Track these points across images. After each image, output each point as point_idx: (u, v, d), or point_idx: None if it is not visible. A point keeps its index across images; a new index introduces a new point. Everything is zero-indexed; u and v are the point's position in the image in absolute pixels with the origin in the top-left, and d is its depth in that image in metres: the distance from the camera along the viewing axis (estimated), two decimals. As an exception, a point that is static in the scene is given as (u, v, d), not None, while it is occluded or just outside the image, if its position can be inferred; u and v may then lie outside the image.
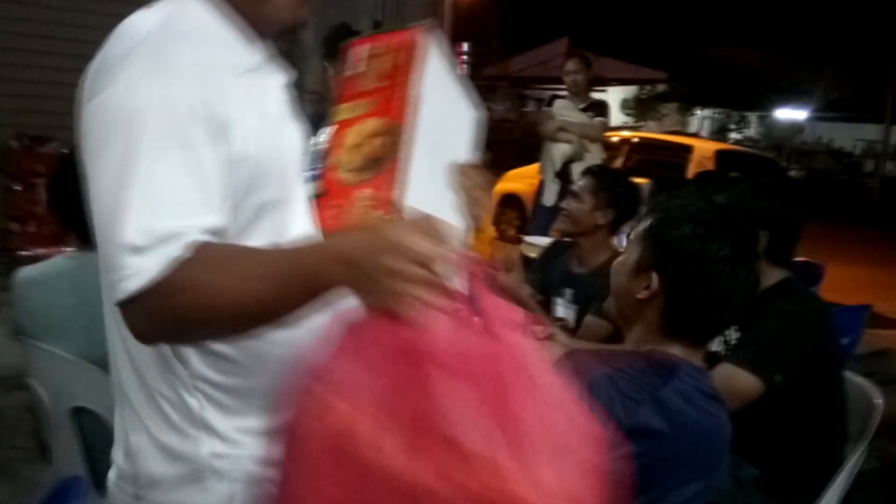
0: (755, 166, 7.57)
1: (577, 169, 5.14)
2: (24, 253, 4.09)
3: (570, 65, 5.15)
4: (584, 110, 5.05)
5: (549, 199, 5.19)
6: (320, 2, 5.16)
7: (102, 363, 1.75)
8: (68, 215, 1.73)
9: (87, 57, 0.96)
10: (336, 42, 3.56)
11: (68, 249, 1.90)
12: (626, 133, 9.06)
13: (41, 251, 3.92)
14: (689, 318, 1.32)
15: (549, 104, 5.29)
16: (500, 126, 18.23)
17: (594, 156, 5.10)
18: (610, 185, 2.53)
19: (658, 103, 22.73)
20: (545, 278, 2.61)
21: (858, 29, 18.15)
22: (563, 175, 5.05)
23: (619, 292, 1.41)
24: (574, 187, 2.65)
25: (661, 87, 22.03)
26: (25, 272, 1.75)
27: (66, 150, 1.88)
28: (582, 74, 5.03)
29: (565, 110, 5.08)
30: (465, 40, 15.22)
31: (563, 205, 2.62)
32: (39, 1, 4.64)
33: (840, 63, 18.95)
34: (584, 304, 2.38)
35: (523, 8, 18.80)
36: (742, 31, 20.43)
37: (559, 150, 5.16)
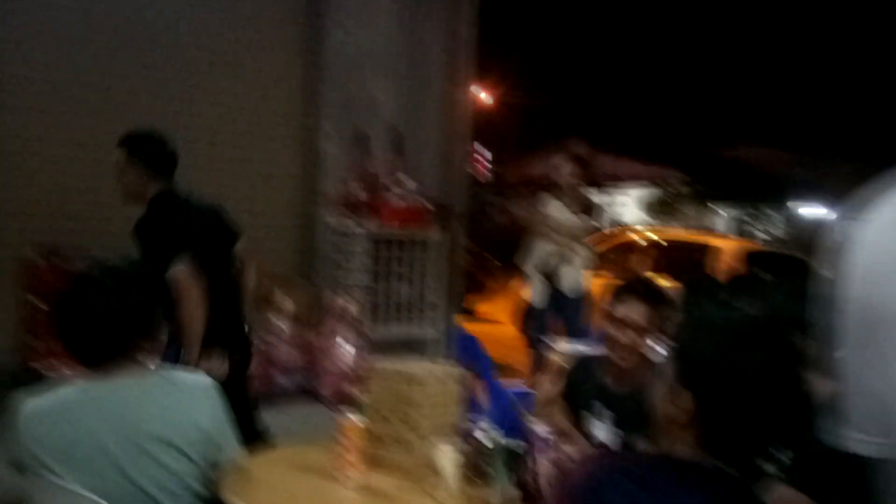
0: (785, 267, 7.46)
1: (563, 269, 5.14)
2: (45, 371, 4.04)
3: (561, 165, 5.22)
4: (575, 210, 5.09)
5: (538, 299, 5.18)
6: (343, 110, 5.28)
7: (106, 495, 1.70)
8: (74, 340, 1.70)
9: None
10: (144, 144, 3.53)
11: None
12: (650, 233, 9.03)
13: (63, 370, 3.87)
14: (726, 438, 1.24)
15: (540, 203, 5.36)
16: (520, 229, 18.31)
17: (581, 256, 5.11)
18: (658, 305, 2.43)
19: (678, 202, 22.86)
20: (574, 392, 2.51)
21: (880, 126, 18.32)
22: (549, 275, 5.05)
23: (658, 416, 1.33)
24: (623, 313, 2.46)
25: (682, 187, 22.20)
26: (30, 403, 1.70)
27: (82, 271, 1.85)
28: (573, 174, 5.09)
29: (556, 209, 5.12)
30: (486, 146, 15.51)
31: (613, 332, 2.47)
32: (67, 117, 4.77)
33: (864, 159, 19.04)
34: (627, 430, 2.27)
35: (542, 111, 19.26)
36: (761, 129, 20.69)
37: (545, 249, 5.18)
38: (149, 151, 3.39)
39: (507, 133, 19.19)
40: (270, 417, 4.46)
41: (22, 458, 1.69)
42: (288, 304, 4.96)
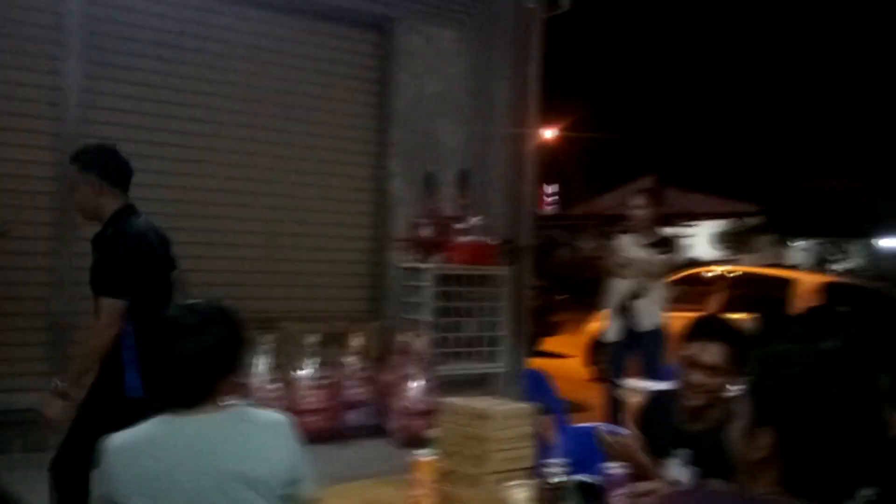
0: (864, 299, 7.21)
1: (638, 305, 5.05)
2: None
3: (636, 200, 5.18)
4: (648, 246, 5.02)
5: (612, 335, 5.10)
6: (410, 151, 5.38)
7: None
8: (160, 381, 1.76)
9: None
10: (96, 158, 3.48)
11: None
12: (723, 268, 8.86)
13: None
14: (809, 476, 1.20)
15: (615, 239, 5.31)
16: (588, 264, 18.17)
17: (656, 292, 5.03)
18: (734, 343, 2.37)
19: (752, 236, 22.35)
20: (650, 429, 2.47)
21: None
22: (623, 311, 4.97)
23: (736, 456, 1.31)
24: (698, 353, 2.39)
25: (753, 220, 21.71)
26: (116, 439, 1.76)
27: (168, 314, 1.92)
28: (647, 210, 5.04)
29: (629, 246, 5.07)
30: (552, 181, 15.51)
31: (688, 372, 2.42)
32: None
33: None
34: (704, 468, 2.22)
35: (612, 147, 19.16)
36: (840, 161, 20.14)
37: (621, 286, 5.12)
38: (102, 164, 3.31)
39: (575, 169, 19.16)
40: (339, 453, 4.52)
41: (108, 494, 1.74)
42: (357, 342, 5.03)
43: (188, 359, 1.78)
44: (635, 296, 5.08)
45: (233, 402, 1.92)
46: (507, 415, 2.18)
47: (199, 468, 1.72)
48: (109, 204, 3.29)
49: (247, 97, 5.18)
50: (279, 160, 5.30)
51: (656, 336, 5.47)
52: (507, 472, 2.08)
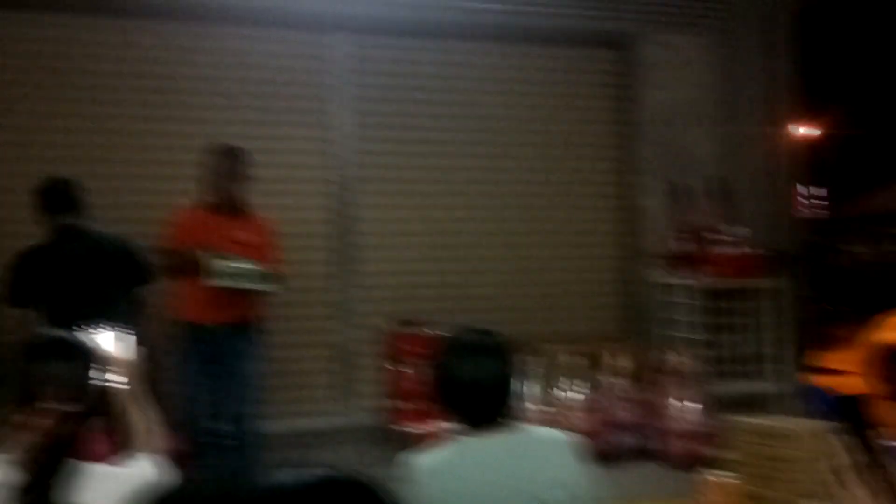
0: None
1: None
2: (403, 429, 4.44)
3: None
4: None
5: None
6: (659, 164, 5.27)
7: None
8: (461, 402, 1.84)
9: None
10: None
11: (445, 425, 1.99)
12: None
13: (419, 428, 4.23)
14: None
15: None
16: (869, 269, 16.50)
17: None
18: None
19: None
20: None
21: None
22: None
23: None
24: None
25: None
26: (425, 459, 1.85)
27: (443, 333, 2.03)
28: None
29: None
30: (816, 183, 14.37)
31: None
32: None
33: None
34: None
35: (879, 140, 17.37)
36: None
37: None
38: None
39: (840, 167, 17.60)
40: (608, 475, 4.45)
41: None
42: (618, 363, 4.95)
43: (491, 381, 1.85)
44: None
45: (518, 423, 1.97)
46: (808, 434, 2.04)
47: (504, 488, 1.77)
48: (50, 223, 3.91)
49: (493, 128, 5.37)
50: (527, 185, 5.42)
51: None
52: (811, 494, 1.94)
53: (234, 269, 3.86)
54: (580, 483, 1.87)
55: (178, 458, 1.85)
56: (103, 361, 1.74)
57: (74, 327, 1.96)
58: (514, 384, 1.94)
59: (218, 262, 3.82)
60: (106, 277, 3.87)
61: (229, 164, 3.98)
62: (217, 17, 4.80)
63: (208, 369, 3.94)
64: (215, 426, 3.97)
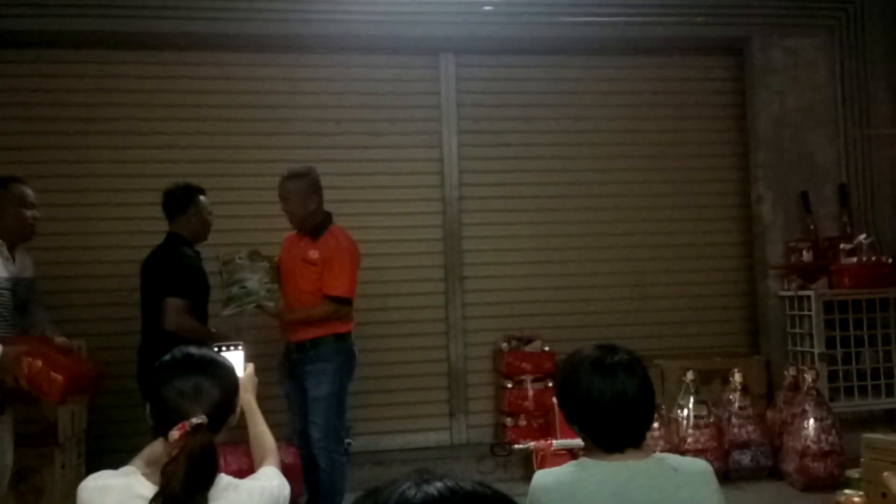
0: None
1: None
2: (516, 446, 4.42)
3: None
4: None
5: None
6: (779, 171, 5.06)
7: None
8: (586, 418, 1.79)
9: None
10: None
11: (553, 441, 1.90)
12: None
13: (531, 444, 4.20)
14: None
15: None
16: None
17: None
18: None
19: None
20: None
21: None
22: None
23: None
24: None
25: None
26: (541, 478, 1.80)
27: (548, 349, 1.98)
28: None
29: None
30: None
31: None
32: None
33: None
34: None
35: None
36: None
37: None
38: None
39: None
40: (733, 496, 4.29)
41: None
42: (739, 378, 4.78)
43: (632, 401, 1.74)
44: None
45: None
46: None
47: None
48: None
49: (605, 142, 5.32)
50: (642, 198, 5.34)
51: None
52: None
53: (244, 290, 3.86)
54: None
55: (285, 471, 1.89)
56: (236, 377, 1.80)
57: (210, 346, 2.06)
58: (653, 408, 1.81)
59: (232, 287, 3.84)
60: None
61: (280, 187, 3.97)
62: (326, 47, 4.99)
63: (287, 385, 4.02)
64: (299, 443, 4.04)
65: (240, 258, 3.91)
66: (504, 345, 4.97)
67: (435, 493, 0.71)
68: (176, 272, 3.72)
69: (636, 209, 5.32)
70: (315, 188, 3.93)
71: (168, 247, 3.82)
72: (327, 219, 3.98)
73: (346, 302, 3.89)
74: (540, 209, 5.22)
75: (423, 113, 5.13)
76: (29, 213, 3.45)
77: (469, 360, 5.08)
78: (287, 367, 3.99)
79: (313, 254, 3.87)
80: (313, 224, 3.93)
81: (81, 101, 4.78)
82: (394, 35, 4.98)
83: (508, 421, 4.84)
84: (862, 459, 2.22)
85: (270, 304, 3.92)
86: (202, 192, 3.91)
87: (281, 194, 3.93)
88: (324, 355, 3.87)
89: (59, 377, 3.13)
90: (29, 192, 3.48)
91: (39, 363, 3.18)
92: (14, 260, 3.41)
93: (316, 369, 3.86)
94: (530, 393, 4.83)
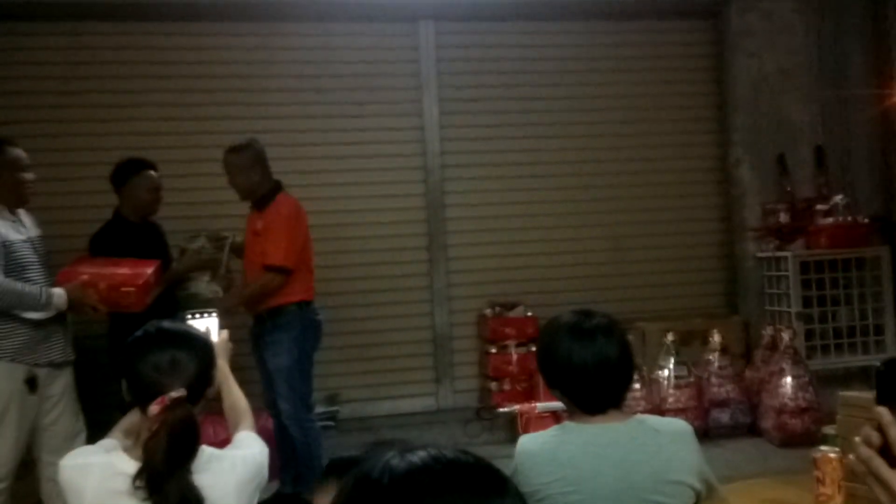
0: None
1: None
2: (501, 409, 4.50)
3: None
4: None
5: None
6: (756, 134, 5.08)
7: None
8: (566, 382, 1.81)
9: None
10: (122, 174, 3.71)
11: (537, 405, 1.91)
12: None
13: (515, 407, 4.29)
14: None
15: None
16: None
17: None
18: None
19: None
20: None
21: None
22: None
23: None
24: None
25: None
26: (525, 443, 1.81)
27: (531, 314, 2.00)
28: None
29: None
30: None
31: None
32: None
33: None
34: None
35: None
36: None
37: None
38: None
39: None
40: (711, 453, 4.39)
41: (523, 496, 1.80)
42: (718, 339, 4.87)
43: (612, 365, 1.75)
44: None
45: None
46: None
47: (617, 478, 1.70)
48: None
49: (584, 108, 5.33)
50: (621, 163, 5.37)
51: None
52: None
53: (195, 290, 3.84)
54: (703, 472, 1.76)
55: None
56: (212, 349, 1.78)
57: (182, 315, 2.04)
58: (632, 369, 1.84)
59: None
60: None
61: (223, 161, 3.88)
62: (304, 15, 4.94)
63: (255, 356, 3.98)
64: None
65: (196, 244, 3.87)
66: (488, 311, 5.02)
67: (419, 461, 0.71)
68: (114, 247, 3.59)
69: (616, 174, 5.36)
70: (257, 159, 3.85)
71: (110, 222, 3.77)
72: (275, 189, 3.90)
73: (282, 270, 3.76)
74: (521, 176, 5.24)
75: (404, 81, 5.11)
76: (27, 175, 3.34)
77: (454, 326, 5.13)
78: (252, 338, 3.97)
79: (259, 224, 3.83)
80: (260, 195, 3.87)
81: (58, 73, 4.72)
82: (372, 2, 4.94)
83: (493, 385, 4.92)
84: (838, 416, 2.29)
85: (219, 297, 3.81)
86: (148, 166, 3.80)
87: (225, 168, 3.88)
88: (281, 325, 3.81)
89: (130, 288, 3.11)
90: (23, 154, 3.36)
91: (104, 285, 3.16)
92: (23, 223, 3.34)
93: (273, 339, 3.82)
94: (514, 357, 4.89)
